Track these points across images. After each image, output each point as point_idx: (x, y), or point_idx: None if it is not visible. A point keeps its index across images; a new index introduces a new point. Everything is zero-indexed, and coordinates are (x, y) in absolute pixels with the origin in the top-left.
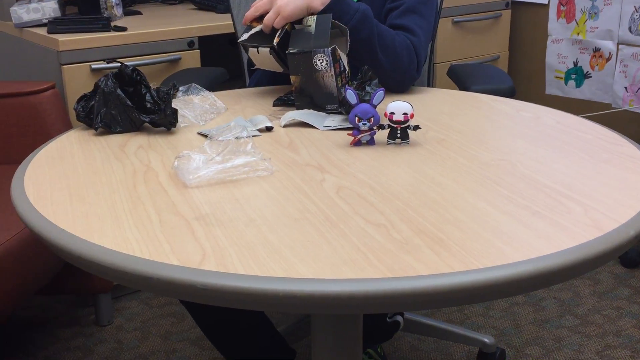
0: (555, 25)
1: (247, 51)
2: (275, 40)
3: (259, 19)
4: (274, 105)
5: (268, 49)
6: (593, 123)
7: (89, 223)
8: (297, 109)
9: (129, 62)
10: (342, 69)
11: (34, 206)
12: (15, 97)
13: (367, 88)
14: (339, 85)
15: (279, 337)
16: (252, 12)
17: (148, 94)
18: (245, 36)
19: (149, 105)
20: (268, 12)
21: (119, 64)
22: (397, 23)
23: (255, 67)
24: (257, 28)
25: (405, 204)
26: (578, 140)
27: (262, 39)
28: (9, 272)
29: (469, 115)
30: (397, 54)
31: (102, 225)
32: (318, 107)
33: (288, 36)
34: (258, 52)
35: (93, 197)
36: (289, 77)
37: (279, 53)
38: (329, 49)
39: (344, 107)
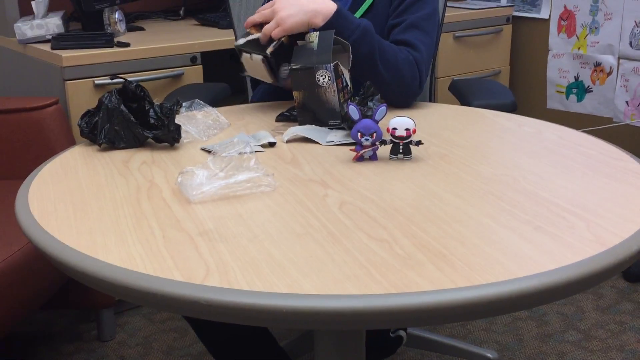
0: (556, 40)
1: (240, 55)
2: (269, 50)
3: (259, 26)
4: (277, 120)
5: (261, 57)
6: (595, 138)
7: (92, 239)
8: (300, 124)
9: (132, 77)
10: (344, 84)
11: (38, 222)
12: (19, 113)
13: (370, 104)
14: (342, 100)
15: (281, 352)
16: (255, 17)
17: (151, 110)
18: (241, 41)
19: (152, 121)
20: (269, 22)
21: (123, 80)
22: (400, 38)
23: (245, 74)
24: (255, 35)
25: (408, 219)
26: (580, 155)
27: (257, 46)
28: (12, 286)
29: (471, 131)
30: (399, 69)
31: (106, 241)
32: (320, 122)
33: (283, 48)
34: (251, 59)
35: (97, 212)
36: (291, 92)
37: (271, 63)
38: (332, 65)
39: (346, 123)
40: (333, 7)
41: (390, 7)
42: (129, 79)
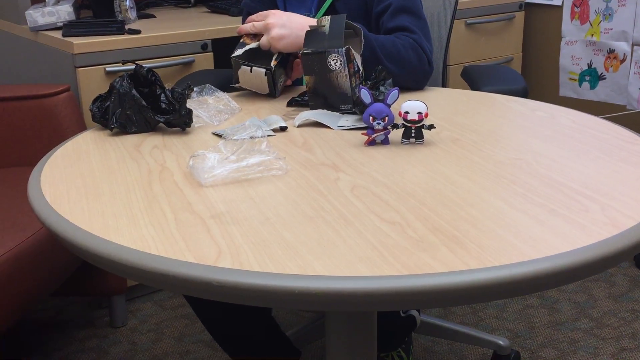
0: (569, 27)
1: (237, 67)
2: (273, 63)
3: (253, 35)
4: (288, 105)
5: (264, 70)
6: (609, 122)
7: (105, 221)
8: (311, 109)
9: (143, 64)
10: (356, 69)
11: (51, 205)
12: (31, 100)
13: (381, 88)
14: (353, 85)
15: (283, 337)
16: (249, 28)
17: (163, 95)
18: (239, 52)
19: (163, 106)
20: (262, 34)
21: (135, 65)
22: (392, 26)
23: (237, 85)
24: (252, 45)
25: (421, 202)
26: (594, 139)
27: (256, 57)
28: (24, 272)
29: (483, 115)
30: (404, 57)
31: (118, 223)
32: (332, 107)
33: (282, 60)
34: (251, 71)
35: (109, 196)
36: (300, 78)
37: (274, 76)
38: (343, 49)
39: (358, 107)
40: None
41: None
42: (141, 64)
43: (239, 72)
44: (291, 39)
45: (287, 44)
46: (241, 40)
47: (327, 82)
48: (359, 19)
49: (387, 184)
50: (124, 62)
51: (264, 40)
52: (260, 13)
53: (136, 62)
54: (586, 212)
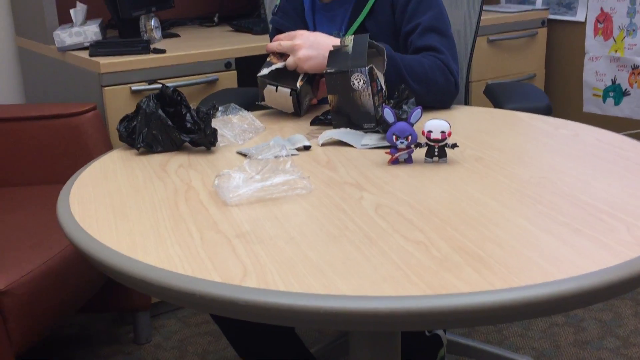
0: (592, 43)
1: (263, 86)
2: (299, 84)
3: (280, 54)
4: (312, 124)
5: (289, 90)
6: (634, 140)
7: (132, 240)
8: (335, 128)
9: (168, 83)
10: (379, 88)
11: (80, 224)
12: (58, 119)
13: (404, 107)
14: (376, 104)
15: (307, 354)
16: (275, 47)
17: (188, 114)
18: (265, 71)
19: (189, 125)
20: (288, 54)
21: (160, 85)
22: (420, 45)
23: (262, 103)
24: (278, 65)
25: (445, 222)
26: (619, 157)
27: (281, 76)
28: (51, 289)
29: (507, 133)
30: (430, 78)
31: (146, 242)
32: (355, 126)
33: (308, 80)
34: (276, 91)
35: (136, 215)
36: (326, 97)
37: (300, 96)
38: (366, 68)
39: (381, 126)
40: None
41: (392, 10)
42: (166, 84)
43: (265, 90)
44: (318, 60)
45: (314, 65)
46: (268, 59)
47: (350, 101)
48: (388, 37)
49: (411, 203)
50: (151, 83)
51: (290, 61)
52: (288, 33)
53: (160, 81)
54: (612, 231)
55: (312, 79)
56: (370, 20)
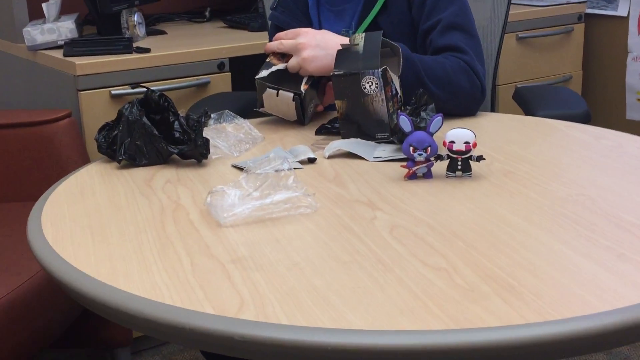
0: (636, 41)
1: (262, 90)
2: (304, 87)
3: (281, 54)
4: (317, 133)
5: (292, 94)
6: None
7: (113, 266)
8: (343, 137)
9: (153, 87)
10: (393, 92)
11: (53, 247)
12: (28, 127)
13: (423, 114)
14: (391, 111)
15: None
16: (276, 46)
17: (176, 123)
18: (264, 73)
19: (177, 135)
20: (291, 54)
21: (145, 89)
22: (442, 44)
23: (261, 109)
24: (279, 66)
25: (470, 246)
26: None
27: (283, 79)
28: (18, 322)
29: (539, 144)
30: (453, 81)
31: (128, 269)
32: (367, 135)
33: (314, 84)
34: (277, 95)
35: (117, 237)
36: (334, 103)
37: (303, 102)
38: (379, 70)
39: (396, 136)
40: None
41: (408, 5)
42: (152, 88)
43: (264, 95)
44: (325, 62)
45: (320, 67)
46: (267, 60)
47: (361, 108)
48: (404, 36)
49: (431, 223)
50: (134, 87)
51: (292, 62)
52: (290, 31)
53: (143, 84)
54: None
55: (317, 82)
56: (383, 16)
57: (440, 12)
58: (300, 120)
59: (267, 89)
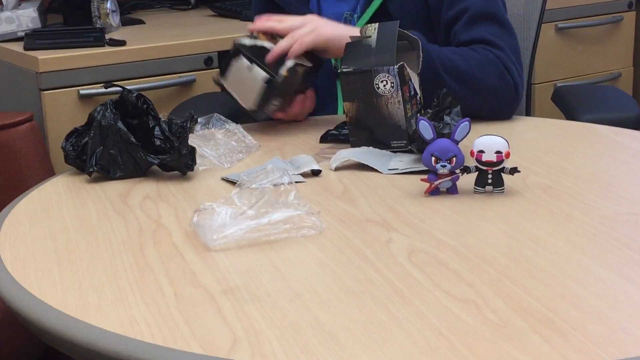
0: None
1: (234, 57)
2: (283, 73)
3: (271, 36)
4: (322, 141)
5: (266, 76)
6: None
7: (82, 297)
8: (352, 146)
9: (129, 85)
10: (412, 93)
11: (12, 275)
12: None
13: (447, 118)
14: (409, 114)
15: None
16: (267, 26)
17: (157, 128)
18: (246, 41)
19: (158, 143)
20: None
21: (120, 89)
22: (469, 38)
23: (219, 80)
24: (265, 44)
25: (502, 274)
26: None
27: (262, 59)
28: None
29: (584, 154)
30: (478, 76)
31: (101, 300)
32: (380, 143)
33: (293, 78)
34: (249, 70)
35: (88, 263)
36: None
37: (274, 89)
38: (395, 67)
39: (415, 144)
40: None
41: None
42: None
43: (234, 65)
44: (341, 29)
45: (336, 31)
46: (254, 33)
47: (373, 111)
48: (416, 25)
49: (457, 247)
50: (108, 86)
51: (286, 41)
52: (289, 17)
53: (117, 83)
54: None
55: (292, 85)
56: (392, 1)
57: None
58: (255, 110)
59: (242, 58)
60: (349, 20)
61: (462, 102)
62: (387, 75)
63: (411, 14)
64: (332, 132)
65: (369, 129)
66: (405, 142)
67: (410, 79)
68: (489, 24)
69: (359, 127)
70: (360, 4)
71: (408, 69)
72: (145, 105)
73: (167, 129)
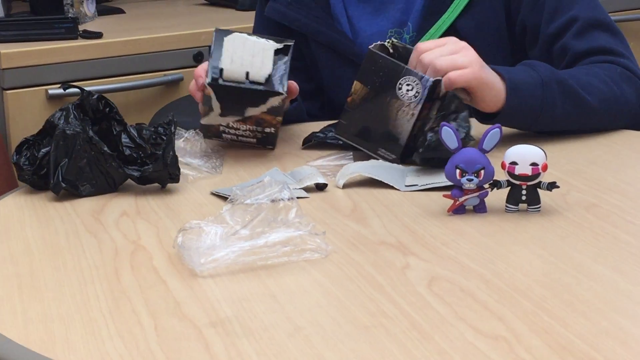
0: None
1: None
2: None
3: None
4: (304, 144)
5: (283, 95)
6: None
7: (48, 330)
8: (337, 131)
9: (107, 85)
10: (430, 114)
11: None
12: None
13: (453, 124)
14: (414, 132)
15: None
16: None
17: (124, 135)
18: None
19: (127, 152)
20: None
21: (79, 90)
22: (584, 48)
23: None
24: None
25: (538, 306)
26: None
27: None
28: None
29: (634, 167)
30: (618, 95)
31: (69, 334)
32: (367, 142)
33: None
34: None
35: (55, 290)
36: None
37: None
38: (431, 79)
39: (420, 151)
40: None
41: (504, 4)
42: (98, 87)
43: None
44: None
45: (484, 80)
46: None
47: (381, 108)
48: (489, 44)
49: (485, 275)
50: (65, 87)
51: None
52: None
53: (74, 84)
54: None
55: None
56: (464, 17)
57: (569, 7)
58: (273, 86)
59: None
60: (397, 39)
61: (597, 121)
62: (417, 81)
63: (482, 31)
64: (317, 134)
65: (364, 122)
66: (394, 157)
67: (438, 98)
68: (601, 32)
69: (355, 115)
70: (412, 19)
71: (442, 87)
72: (107, 109)
73: (136, 136)
